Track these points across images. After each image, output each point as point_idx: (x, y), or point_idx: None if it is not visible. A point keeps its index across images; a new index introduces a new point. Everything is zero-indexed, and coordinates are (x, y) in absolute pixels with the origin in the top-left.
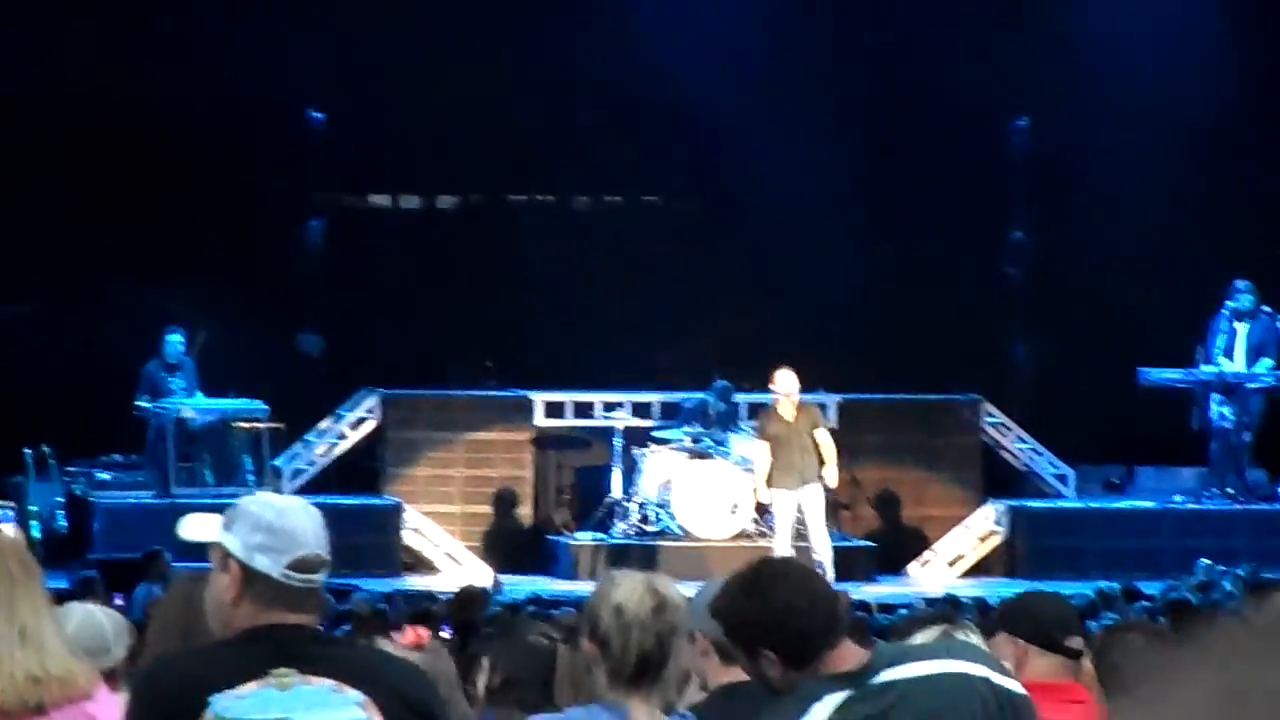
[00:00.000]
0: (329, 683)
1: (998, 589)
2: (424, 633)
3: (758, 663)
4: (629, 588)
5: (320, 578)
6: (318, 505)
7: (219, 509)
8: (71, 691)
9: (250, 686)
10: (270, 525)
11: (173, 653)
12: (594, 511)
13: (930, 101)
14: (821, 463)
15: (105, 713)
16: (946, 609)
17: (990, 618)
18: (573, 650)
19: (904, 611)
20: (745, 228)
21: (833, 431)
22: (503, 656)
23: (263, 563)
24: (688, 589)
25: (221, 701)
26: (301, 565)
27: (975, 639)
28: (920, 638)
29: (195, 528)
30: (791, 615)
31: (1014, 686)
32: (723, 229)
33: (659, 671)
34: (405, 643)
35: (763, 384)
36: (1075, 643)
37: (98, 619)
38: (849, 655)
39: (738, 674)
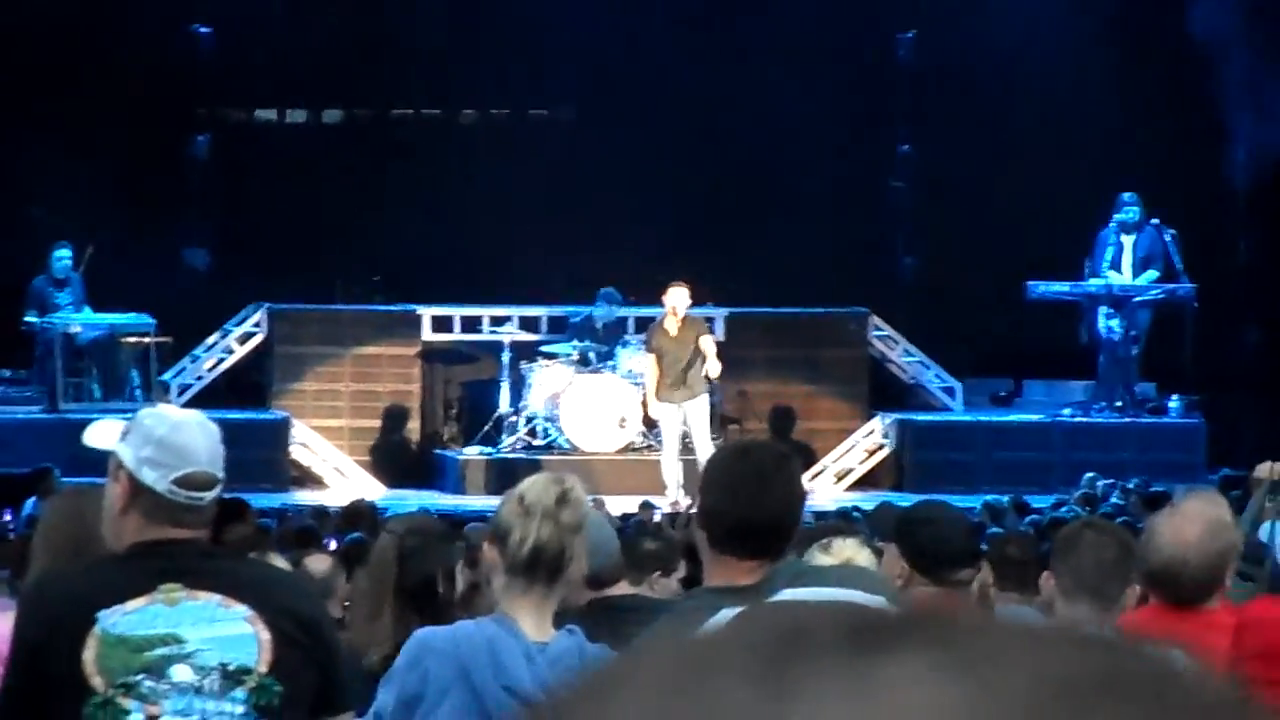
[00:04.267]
0: (216, 597)
1: (886, 502)
2: None
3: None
4: (532, 480)
5: (209, 495)
6: None
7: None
8: None
9: (138, 602)
10: (161, 440)
11: (60, 568)
12: (482, 426)
13: (815, 14)
14: (707, 377)
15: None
16: (839, 523)
17: (884, 524)
18: (391, 536)
19: None
20: (633, 141)
21: (720, 344)
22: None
23: (149, 476)
24: None
25: (109, 617)
26: (188, 482)
27: (864, 554)
28: (816, 553)
29: (98, 435)
30: (737, 501)
31: None
32: (610, 143)
33: (554, 570)
34: None
35: (650, 299)
36: (963, 575)
37: None
38: (748, 568)
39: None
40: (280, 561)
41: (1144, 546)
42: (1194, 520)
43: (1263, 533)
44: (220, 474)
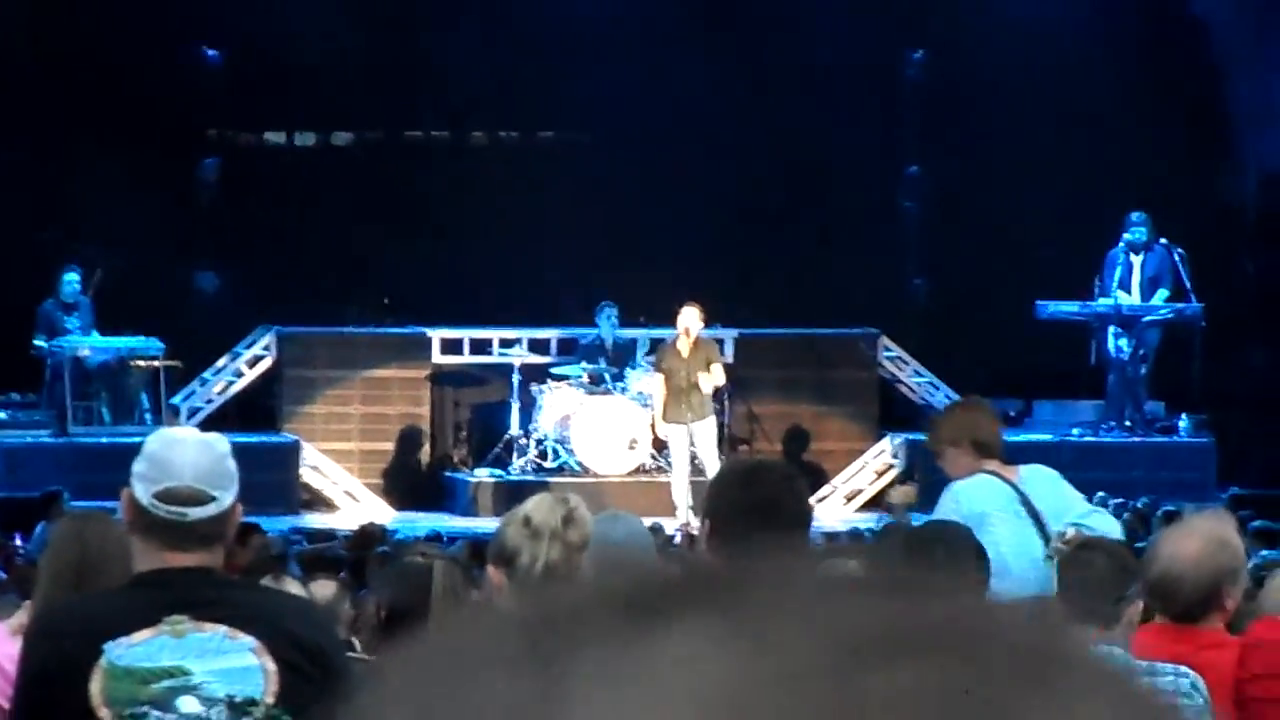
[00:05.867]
0: (222, 629)
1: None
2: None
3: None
4: (537, 501)
5: (195, 512)
6: None
7: (115, 448)
8: None
9: (144, 633)
10: (151, 454)
11: (67, 598)
12: (492, 448)
13: (825, 34)
14: (715, 393)
15: (3, 650)
16: (848, 544)
17: (892, 545)
18: (450, 563)
19: None
20: (643, 163)
21: (729, 366)
22: (383, 587)
23: (138, 490)
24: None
25: (115, 649)
26: (168, 496)
27: None
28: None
29: None
30: (748, 524)
31: None
32: (620, 164)
33: None
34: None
35: (663, 320)
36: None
37: None
38: None
39: None
40: (295, 586)
41: (1146, 559)
42: (1195, 536)
43: None
44: (215, 492)
